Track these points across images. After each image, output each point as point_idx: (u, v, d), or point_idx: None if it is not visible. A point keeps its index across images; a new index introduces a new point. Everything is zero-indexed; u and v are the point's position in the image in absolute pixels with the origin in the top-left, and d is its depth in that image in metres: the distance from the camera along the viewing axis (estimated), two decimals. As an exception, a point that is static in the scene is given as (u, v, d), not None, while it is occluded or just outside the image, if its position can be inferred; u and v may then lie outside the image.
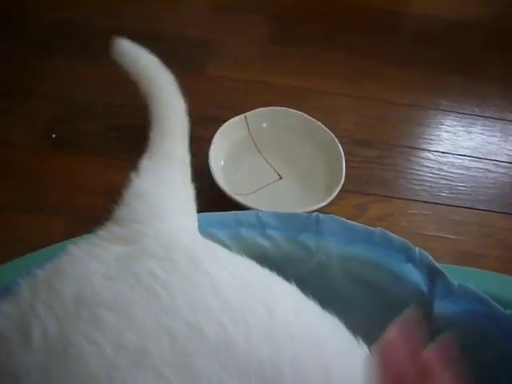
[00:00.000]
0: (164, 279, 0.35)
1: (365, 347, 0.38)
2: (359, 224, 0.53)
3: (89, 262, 0.38)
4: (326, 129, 0.73)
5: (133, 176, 0.48)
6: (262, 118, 0.74)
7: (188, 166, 0.57)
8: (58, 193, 0.68)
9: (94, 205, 0.65)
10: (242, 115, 0.72)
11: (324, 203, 0.64)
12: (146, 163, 0.50)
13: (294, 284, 0.41)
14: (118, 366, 0.31)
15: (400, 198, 0.73)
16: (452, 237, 0.70)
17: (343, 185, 0.68)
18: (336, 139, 0.72)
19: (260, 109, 0.74)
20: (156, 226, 0.43)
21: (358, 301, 0.53)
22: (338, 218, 0.53)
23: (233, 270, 0.39)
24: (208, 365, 0.31)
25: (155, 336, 0.32)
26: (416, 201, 0.73)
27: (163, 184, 0.49)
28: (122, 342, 0.32)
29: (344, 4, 1.01)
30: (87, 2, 0.96)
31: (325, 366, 0.34)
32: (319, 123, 0.73)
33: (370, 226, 0.53)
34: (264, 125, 0.74)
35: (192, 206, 0.51)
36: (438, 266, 0.49)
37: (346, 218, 0.53)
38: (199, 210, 0.52)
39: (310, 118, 0.74)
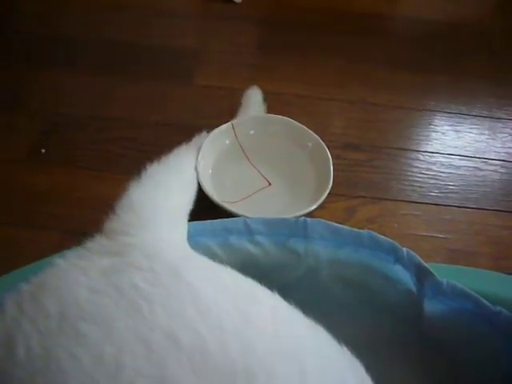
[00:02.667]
0: (146, 291, 0.36)
1: (345, 349, 0.39)
2: (346, 227, 0.53)
3: (74, 275, 0.38)
4: (313, 133, 0.73)
5: (126, 187, 0.49)
6: (248, 125, 0.74)
7: (192, 177, 0.59)
8: (49, 207, 0.68)
9: (85, 217, 0.66)
10: (229, 123, 0.73)
11: (313, 207, 0.64)
12: (143, 174, 0.51)
13: (282, 290, 0.42)
14: (95, 379, 0.31)
15: (390, 200, 0.73)
16: (443, 236, 0.70)
17: (333, 188, 0.68)
18: (323, 143, 0.72)
19: (247, 116, 0.74)
20: (143, 238, 0.43)
21: (347, 303, 0.53)
22: (325, 221, 0.53)
23: (213, 280, 0.39)
24: (183, 372, 0.32)
25: (131, 348, 0.32)
26: (406, 201, 0.73)
27: (156, 195, 0.49)
28: (101, 355, 0.32)
29: (330, 10, 1.02)
30: (74, 15, 0.97)
31: (300, 369, 0.34)
32: (306, 128, 0.74)
33: (360, 228, 0.53)
34: (251, 132, 0.75)
35: (184, 216, 0.52)
36: (426, 265, 0.49)
37: (336, 222, 0.53)
38: (188, 219, 0.53)
39: (296, 123, 0.74)
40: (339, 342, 0.38)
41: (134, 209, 0.46)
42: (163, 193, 0.51)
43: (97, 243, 0.42)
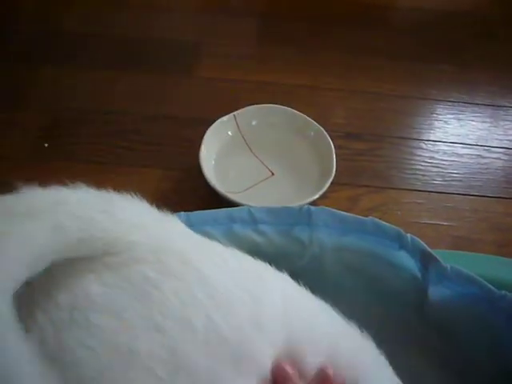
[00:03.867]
0: (156, 280, 0.36)
1: (357, 330, 0.39)
2: (350, 214, 0.53)
3: (82, 272, 0.38)
4: (315, 122, 0.73)
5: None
6: (250, 115, 0.74)
7: None
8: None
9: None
10: (231, 114, 0.73)
11: (316, 196, 0.64)
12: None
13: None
14: (110, 367, 0.32)
15: (393, 189, 0.73)
16: (446, 223, 0.70)
17: (336, 178, 0.68)
18: (325, 132, 0.72)
19: (248, 107, 0.74)
20: (143, 232, 0.43)
21: (353, 290, 0.53)
22: (329, 209, 0.53)
23: (222, 263, 0.39)
24: (197, 356, 0.32)
25: (145, 334, 0.33)
26: (409, 190, 0.73)
27: None
28: (115, 344, 0.32)
29: (330, 0, 1.02)
30: (74, 11, 0.97)
31: (316, 350, 0.34)
32: (308, 117, 0.74)
33: (363, 217, 0.53)
34: (253, 122, 0.75)
35: None
36: (431, 250, 0.49)
37: (340, 211, 0.54)
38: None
39: (298, 112, 0.74)
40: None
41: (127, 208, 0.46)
42: None
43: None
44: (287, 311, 0.36)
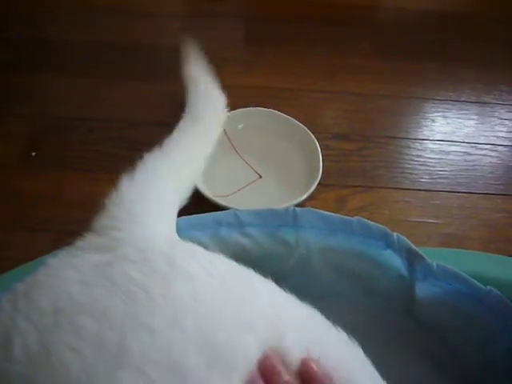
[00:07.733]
0: (141, 280, 0.36)
1: (344, 334, 0.39)
2: (336, 215, 0.53)
3: (65, 272, 0.38)
4: (301, 124, 0.73)
5: (115, 185, 0.49)
6: (237, 119, 0.74)
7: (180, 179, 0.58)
8: (42, 209, 0.68)
9: (78, 218, 0.65)
10: (218, 118, 0.73)
11: (303, 198, 0.65)
12: (139, 164, 0.52)
13: (275, 280, 0.42)
14: (98, 367, 0.32)
15: (381, 188, 0.73)
16: (435, 221, 0.70)
17: (323, 179, 0.69)
18: (311, 134, 0.72)
19: (234, 110, 0.74)
20: (132, 232, 0.43)
21: (341, 290, 0.53)
22: (314, 210, 0.53)
23: (208, 267, 0.39)
24: (188, 358, 0.32)
25: (135, 334, 0.33)
26: (397, 189, 0.74)
27: (147, 189, 0.50)
28: (101, 344, 0.32)
29: (317, 1, 1.02)
30: (61, 17, 0.97)
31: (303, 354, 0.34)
32: (294, 120, 0.74)
33: (351, 217, 0.53)
34: (240, 126, 0.75)
35: (174, 209, 0.52)
36: (416, 249, 0.50)
37: (328, 211, 0.54)
38: (181, 215, 0.53)
39: (283, 115, 0.75)
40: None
41: (124, 203, 0.46)
42: (155, 186, 0.51)
43: (87, 241, 0.43)
44: (274, 313, 0.36)
